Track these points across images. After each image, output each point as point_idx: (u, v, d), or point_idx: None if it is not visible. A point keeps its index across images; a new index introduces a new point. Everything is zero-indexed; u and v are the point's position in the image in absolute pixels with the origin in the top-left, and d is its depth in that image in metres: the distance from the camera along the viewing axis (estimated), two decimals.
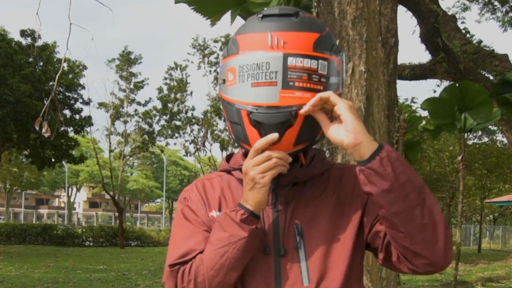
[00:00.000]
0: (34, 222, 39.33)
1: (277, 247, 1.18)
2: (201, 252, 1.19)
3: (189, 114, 25.66)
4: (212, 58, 24.33)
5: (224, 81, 1.18)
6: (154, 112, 25.86)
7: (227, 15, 3.86)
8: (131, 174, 51.25)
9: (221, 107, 1.23)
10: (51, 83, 17.96)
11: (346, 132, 1.08)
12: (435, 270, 1.11)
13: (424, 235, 1.06)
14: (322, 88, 1.12)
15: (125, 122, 26.55)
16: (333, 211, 1.20)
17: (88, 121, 20.39)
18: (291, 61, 1.10)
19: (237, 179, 1.27)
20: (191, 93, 25.97)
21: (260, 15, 1.15)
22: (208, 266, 1.15)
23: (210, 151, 30.32)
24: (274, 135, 1.11)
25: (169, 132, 25.74)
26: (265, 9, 1.20)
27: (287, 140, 1.13)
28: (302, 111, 1.11)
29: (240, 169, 1.24)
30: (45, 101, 14.63)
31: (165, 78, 25.81)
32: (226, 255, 1.14)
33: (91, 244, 23.83)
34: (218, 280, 1.15)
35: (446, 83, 8.36)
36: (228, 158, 1.33)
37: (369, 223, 1.19)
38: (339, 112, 1.09)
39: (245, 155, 1.24)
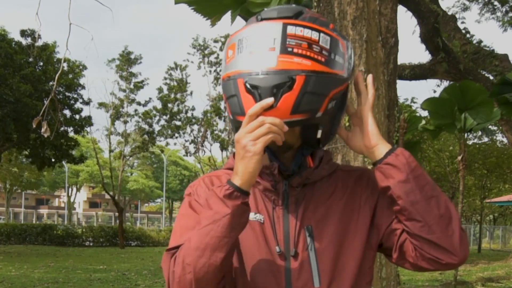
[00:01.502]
0: (34, 222, 39.31)
1: (288, 248, 1.18)
2: None
3: (189, 114, 25.67)
4: (212, 58, 24.34)
5: (225, 61, 1.16)
6: (154, 112, 25.87)
7: (227, 15, 3.86)
8: (131, 174, 51.24)
9: (222, 92, 1.19)
10: (51, 83, 17.96)
11: (363, 134, 1.18)
12: (452, 262, 1.13)
13: (441, 225, 1.11)
14: (323, 60, 1.09)
15: (125, 122, 26.55)
16: (343, 213, 1.20)
17: (88, 121, 20.39)
18: (290, 29, 1.09)
19: None
20: (191, 93, 25.98)
21: (259, 17, 1.14)
22: (193, 246, 1.09)
23: (210, 151, 30.32)
24: (269, 99, 1.07)
25: (169, 132, 25.74)
26: (265, 9, 1.19)
27: (284, 106, 1.07)
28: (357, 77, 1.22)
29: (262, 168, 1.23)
30: (45, 101, 14.63)
31: (165, 78, 25.82)
32: (210, 234, 1.08)
33: (91, 244, 23.83)
34: (203, 261, 1.08)
35: (446, 83, 8.36)
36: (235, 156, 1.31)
37: (385, 224, 1.20)
38: (364, 114, 1.18)
39: None
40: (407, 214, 1.12)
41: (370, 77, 1.23)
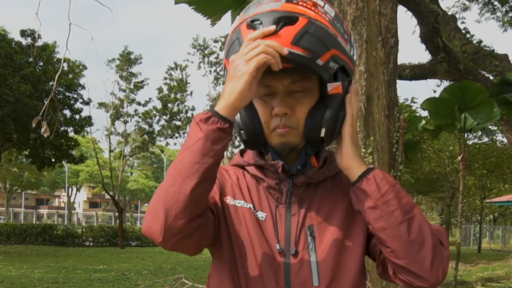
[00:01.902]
0: (34, 222, 39.34)
1: (288, 246, 1.17)
2: None
3: (189, 114, 25.69)
4: (212, 58, 24.37)
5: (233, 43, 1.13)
6: (154, 112, 25.88)
7: (227, 15, 3.86)
8: (131, 174, 51.26)
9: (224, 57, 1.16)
10: (51, 83, 17.96)
11: (340, 155, 1.15)
12: (424, 285, 1.10)
13: (411, 251, 1.08)
14: (327, 19, 1.09)
15: (125, 122, 26.55)
16: (345, 215, 1.20)
17: (88, 121, 20.39)
18: None
19: (251, 174, 1.25)
20: (191, 93, 26.02)
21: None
22: (167, 175, 1.04)
23: None
24: (271, 27, 1.03)
25: (169, 132, 25.76)
26: None
27: (285, 35, 1.04)
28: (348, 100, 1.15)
29: (254, 165, 1.23)
30: (45, 101, 14.63)
31: (165, 78, 25.85)
32: (183, 161, 1.03)
33: (91, 244, 23.83)
34: (173, 190, 1.01)
35: (446, 83, 8.36)
36: (242, 153, 1.30)
37: (370, 235, 1.20)
38: (344, 133, 1.15)
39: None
40: (378, 239, 1.11)
41: (353, 90, 1.17)
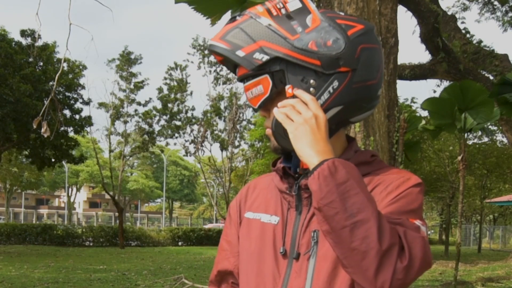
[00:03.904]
0: (34, 222, 39.28)
1: (292, 250, 1.17)
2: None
3: (189, 114, 25.67)
4: (212, 58, 24.31)
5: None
6: (154, 112, 25.87)
7: (227, 15, 3.86)
8: (131, 174, 51.28)
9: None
10: (51, 83, 17.96)
11: None
12: None
13: (353, 260, 0.99)
14: (275, 14, 1.12)
15: (125, 122, 26.54)
16: None
17: (88, 121, 20.40)
18: None
19: (274, 182, 1.28)
20: (191, 93, 25.98)
21: None
22: None
23: (210, 151, 30.36)
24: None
25: (169, 132, 25.74)
26: None
27: (222, 31, 1.15)
28: (274, 111, 1.12)
29: (275, 171, 1.26)
30: (45, 101, 14.62)
31: (165, 78, 25.82)
32: None
33: (91, 244, 23.83)
34: None
35: (446, 83, 8.36)
36: (274, 161, 1.31)
37: None
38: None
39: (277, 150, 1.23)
40: (328, 242, 1.04)
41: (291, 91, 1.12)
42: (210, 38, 1.16)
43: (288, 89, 1.11)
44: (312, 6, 1.14)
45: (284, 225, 1.20)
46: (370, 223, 0.98)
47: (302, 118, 1.07)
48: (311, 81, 1.11)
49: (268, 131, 1.19)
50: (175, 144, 68.41)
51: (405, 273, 0.98)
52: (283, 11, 1.11)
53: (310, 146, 1.05)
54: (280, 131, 1.13)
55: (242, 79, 1.17)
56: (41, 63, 18.78)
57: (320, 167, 1.02)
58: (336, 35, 1.11)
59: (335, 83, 1.12)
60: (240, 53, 1.10)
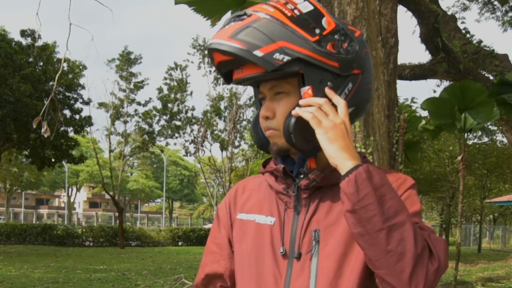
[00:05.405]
0: (34, 222, 39.27)
1: (292, 250, 1.17)
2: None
3: (189, 114, 25.68)
4: None
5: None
6: (154, 112, 25.87)
7: (227, 15, 3.86)
8: (131, 174, 51.27)
9: None
10: (51, 83, 17.96)
11: (326, 156, 1.09)
12: None
13: (388, 262, 1.01)
14: (289, 14, 1.10)
15: (125, 122, 26.55)
16: None
17: (88, 121, 20.40)
18: None
19: (268, 183, 1.27)
20: (191, 93, 25.99)
21: None
22: None
23: (210, 151, 30.38)
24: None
25: (169, 132, 25.75)
26: None
27: (228, 30, 1.10)
28: (294, 112, 1.10)
29: (269, 172, 1.25)
30: (45, 101, 14.63)
31: (165, 78, 25.83)
32: None
33: (91, 244, 23.83)
34: None
35: (446, 83, 8.36)
36: (265, 162, 1.31)
37: None
38: (316, 134, 1.09)
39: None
40: (358, 244, 1.06)
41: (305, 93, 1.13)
42: (212, 38, 1.12)
43: (308, 90, 1.11)
44: (323, 8, 1.15)
45: (282, 225, 1.19)
46: (406, 226, 1.01)
47: (335, 120, 1.08)
48: (328, 82, 1.13)
49: (272, 132, 1.17)
50: (175, 144, 68.39)
51: (435, 275, 1.02)
52: (296, 12, 1.11)
53: (344, 150, 1.07)
54: (300, 131, 1.12)
55: (244, 80, 1.15)
56: (41, 63, 18.78)
57: (356, 171, 1.04)
58: (350, 38, 1.15)
59: (350, 85, 1.15)
60: (258, 53, 1.07)
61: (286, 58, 1.08)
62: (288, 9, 1.10)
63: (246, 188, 1.32)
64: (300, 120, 1.10)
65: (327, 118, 1.08)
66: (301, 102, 1.11)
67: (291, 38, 1.08)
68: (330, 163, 1.08)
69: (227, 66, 1.15)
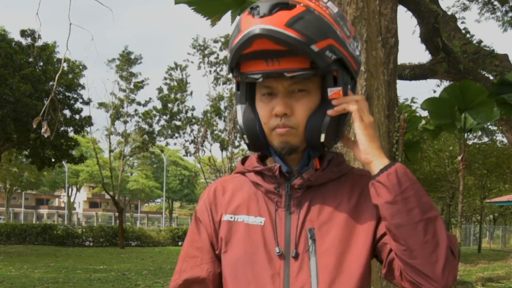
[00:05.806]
0: (34, 222, 39.25)
1: (288, 249, 1.16)
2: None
3: (189, 114, 25.65)
4: (212, 58, 24.30)
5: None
6: (154, 112, 25.85)
7: (227, 15, 3.86)
8: (131, 174, 51.24)
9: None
10: (51, 83, 17.96)
11: (358, 151, 1.14)
12: None
13: (424, 252, 1.05)
14: (328, 12, 1.08)
15: (125, 122, 26.52)
16: (348, 218, 1.17)
17: (88, 121, 20.39)
18: None
19: (251, 181, 1.24)
20: (191, 93, 25.94)
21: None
22: None
23: (210, 151, 30.34)
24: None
25: (169, 132, 25.72)
26: None
27: (280, 16, 1.04)
28: (329, 112, 1.12)
29: (254, 171, 1.22)
30: (45, 101, 14.63)
31: (165, 78, 25.79)
32: None
33: (91, 244, 23.82)
34: None
35: (446, 83, 8.37)
36: (244, 160, 1.29)
37: (379, 234, 1.17)
38: (355, 132, 1.13)
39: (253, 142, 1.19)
40: (392, 235, 1.08)
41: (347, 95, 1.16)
42: (251, 22, 1.04)
43: (340, 91, 1.13)
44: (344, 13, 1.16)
45: (274, 225, 1.18)
46: (439, 220, 1.08)
47: (371, 119, 1.14)
48: (349, 85, 1.16)
49: (289, 130, 1.13)
50: (175, 144, 68.25)
51: (456, 267, 1.10)
52: (330, 11, 1.10)
53: (380, 148, 1.14)
54: (332, 130, 1.14)
55: (278, 73, 1.09)
56: (41, 63, 18.77)
57: (395, 166, 1.09)
58: (359, 43, 1.19)
59: (357, 87, 1.22)
60: (315, 48, 1.05)
61: (334, 56, 1.09)
62: (324, 7, 1.09)
63: (226, 189, 1.27)
64: (333, 119, 1.13)
65: (367, 114, 1.13)
66: (336, 101, 1.13)
67: (337, 37, 1.09)
68: (362, 159, 1.13)
69: (260, 56, 1.08)
